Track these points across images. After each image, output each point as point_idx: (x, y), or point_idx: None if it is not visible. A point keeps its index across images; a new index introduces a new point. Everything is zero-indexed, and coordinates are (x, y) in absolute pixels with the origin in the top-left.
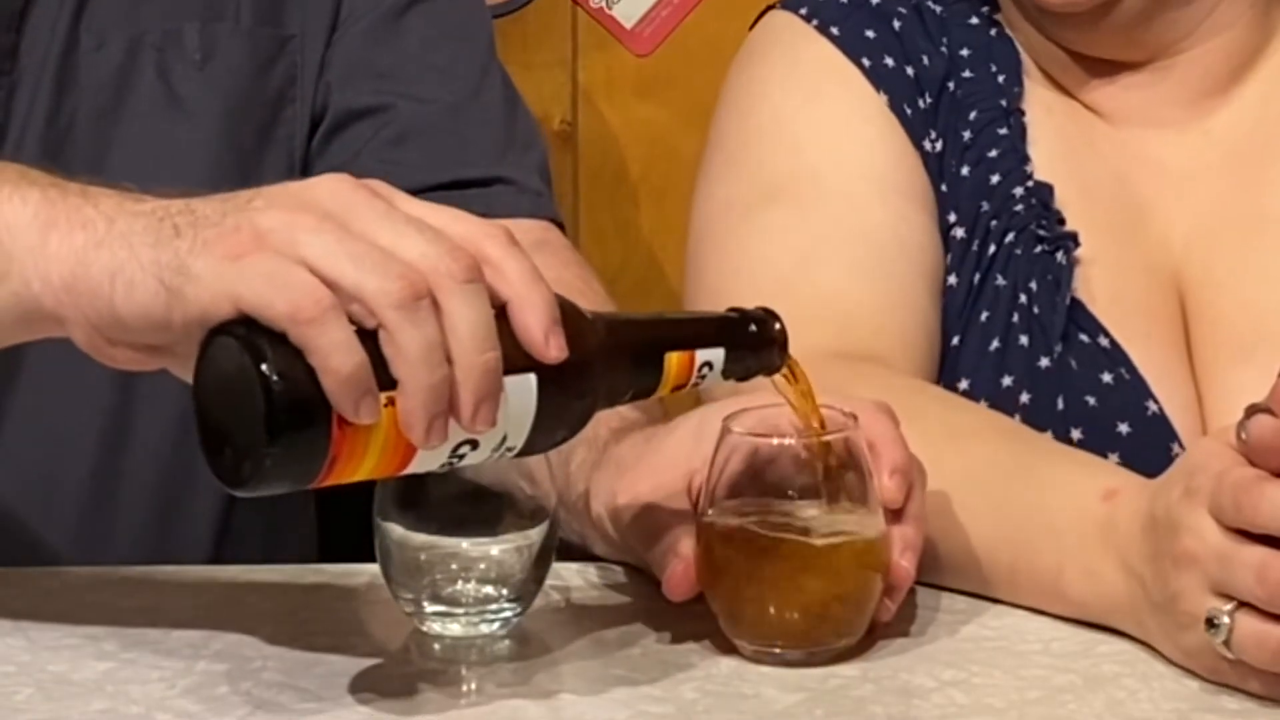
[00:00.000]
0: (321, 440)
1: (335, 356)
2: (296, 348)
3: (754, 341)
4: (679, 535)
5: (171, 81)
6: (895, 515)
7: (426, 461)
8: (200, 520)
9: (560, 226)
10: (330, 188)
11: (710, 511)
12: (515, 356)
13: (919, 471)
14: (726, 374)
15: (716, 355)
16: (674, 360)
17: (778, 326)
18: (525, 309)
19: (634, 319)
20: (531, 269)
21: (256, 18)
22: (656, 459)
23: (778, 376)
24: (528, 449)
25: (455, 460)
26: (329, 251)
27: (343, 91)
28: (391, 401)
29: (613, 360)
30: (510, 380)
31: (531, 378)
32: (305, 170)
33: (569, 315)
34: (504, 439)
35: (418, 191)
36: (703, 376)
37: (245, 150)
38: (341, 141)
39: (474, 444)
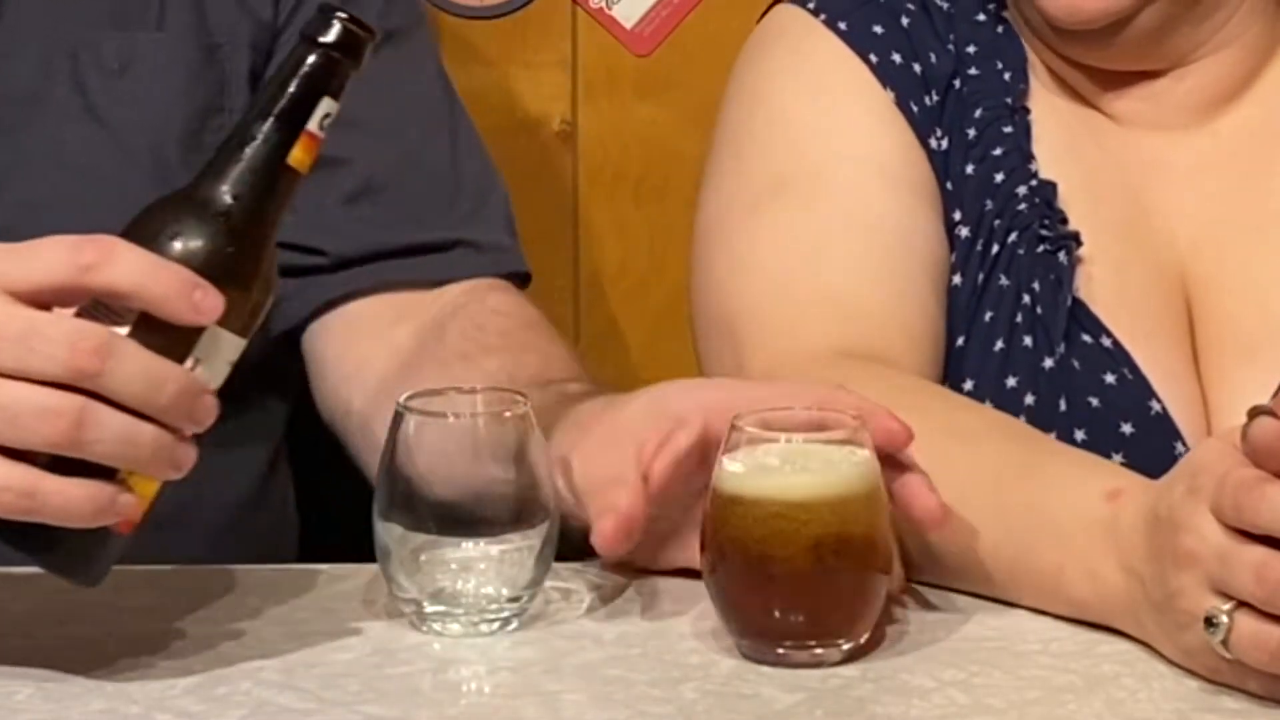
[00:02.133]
0: (106, 535)
1: (61, 520)
2: None
3: (341, 62)
4: (618, 493)
5: (87, 92)
6: (900, 463)
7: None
8: (190, 529)
9: (521, 276)
10: None
11: (714, 508)
12: (189, 329)
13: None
14: (339, 96)
15: (325, 106)
16: (300, 154)
17: (343, 19)
18: (161, 308)
19: (238, 163)
20: (139, 269)
21: (181, 26)
22: (613, 424)
23: None
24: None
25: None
26: None
27: None
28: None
29: (255, 221)
30: (198, 348)
31: (208, 332)
32: None
33: (196, 231)
34: (229, 363)
35: (376, 255)
36: (330, 125)
37: (168, 160)
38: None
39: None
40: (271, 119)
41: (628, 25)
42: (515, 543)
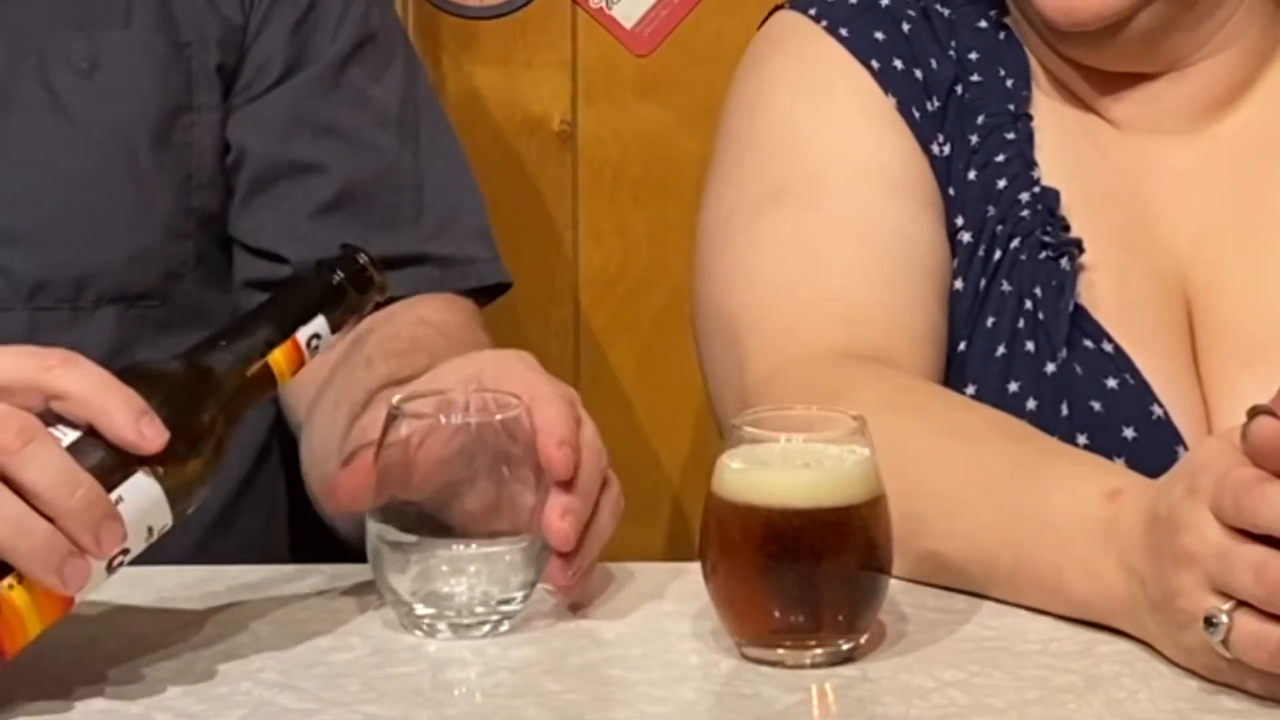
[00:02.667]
0: None
1: None
2: None
3: (347, 292)
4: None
5: (56, 90)
6: (565, 486)
7: (90, 588)
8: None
9: (490, 289)
10: None
11: (714, 508)
12: (125, 460)
13: (599, 452)
14: (338, 328)
15: (318, 324)
16: (279, 356)
17: (362, 260)
18: (105, 418)
19: (221, 345)
20: (98, 380)
21: (150, 24)
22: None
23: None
24: (180, 516)
25: (118, 566)
26: None
27: (282, 140)
28: (23, 577)
29: (220, 402)
30: (126, 486)
31: (145, 474)
32: (213, 183)
33: (160, 385)
34: (150, 530)
35: None
36: (316, 347)
37: (138, 157)
38: (271, 196)
39: (125, 551)
40: (266, 318)
41: (628, 25)
42: (507, 545)
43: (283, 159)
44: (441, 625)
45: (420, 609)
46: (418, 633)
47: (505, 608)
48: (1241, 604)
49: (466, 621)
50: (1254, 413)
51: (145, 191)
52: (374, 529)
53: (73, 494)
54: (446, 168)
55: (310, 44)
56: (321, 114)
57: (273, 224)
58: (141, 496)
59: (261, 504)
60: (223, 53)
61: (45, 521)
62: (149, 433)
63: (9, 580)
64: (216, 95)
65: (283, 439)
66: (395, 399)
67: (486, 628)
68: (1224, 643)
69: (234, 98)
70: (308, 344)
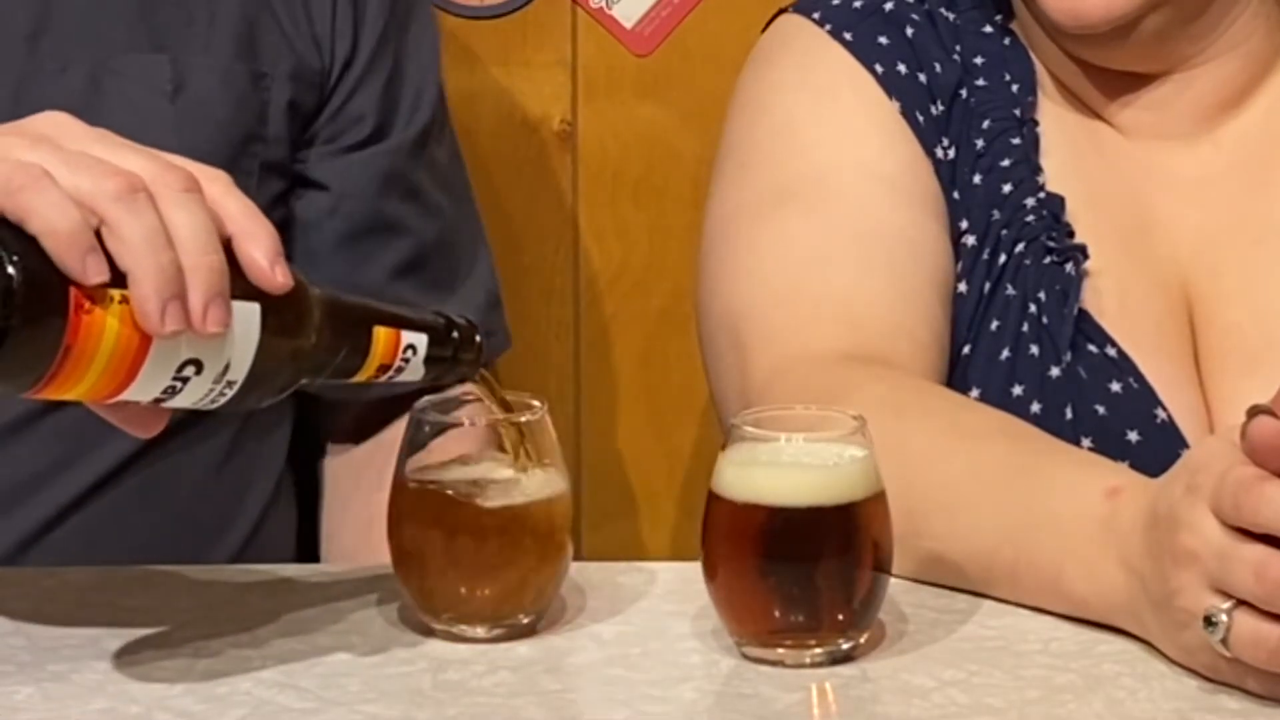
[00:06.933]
0: (58, 322)
1: (52, 215)
2: (29, 235)
3: (456, 342)
4: None
5: (137, 110)
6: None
7: (153, 377)
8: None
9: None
10: (49, 118)
11: (713, 508)
12: (241, 286)
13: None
14: (427, 367)
15: (420, 340)
16: (381, 335)
17: (478, 338)
18: (249, 241)
19: (349, 296)
20: (253, 206)
21: (230, 51)
22: None
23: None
24: (247, 387)
25: (179, 383)
26: (43, 159)
27: (377, 198)
28: (125, 300)
29: (327, 316)
30: (236, 305)
31: (256, 307)
32: (266, 214)
33: (291, 271)
34: (227, 367)
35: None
36: (406, 360)
37: None
38: (359, 251)
39: (199, 366)
40: (388, 310)
41: (628, 25)
42: (527, 548)
43: (377, 215)
44: (462, 627)
45: (441, 610)
46: (439, 634)
47: (526, 610)
48: (1241, 603)
49: (488, 624)
50: (1253, 412)
51: None
52: (396, 528)
53: (206, 254)
54: (472, 231)
55: (399, 106)
56: (409, 177)
57: (355, 278)
58: (242, 328)
59: (269, 553)
60: (294, 88)
61: (174, 252)
62: (279, 270)
63: (121, 293)
64: (284, 128)
65: (297, 483)
66: (418, 404)
67: (507, 630)
68: (1223, 642)
69: (321, 143)
70: (404, 349)
